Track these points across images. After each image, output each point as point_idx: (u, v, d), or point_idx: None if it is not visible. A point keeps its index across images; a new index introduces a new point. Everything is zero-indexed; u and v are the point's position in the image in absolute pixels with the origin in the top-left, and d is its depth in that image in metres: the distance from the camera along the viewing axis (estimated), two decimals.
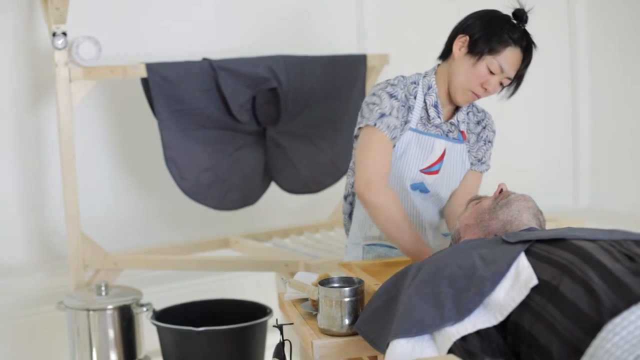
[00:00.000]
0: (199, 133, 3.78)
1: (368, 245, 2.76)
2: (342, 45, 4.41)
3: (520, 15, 2.58)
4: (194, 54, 3.87)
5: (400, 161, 2.65)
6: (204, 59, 3.77)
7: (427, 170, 2.66)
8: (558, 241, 1.89)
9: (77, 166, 3.57)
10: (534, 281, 1.77)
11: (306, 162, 4.05)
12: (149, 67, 3.61)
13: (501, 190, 2.32)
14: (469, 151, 2.74)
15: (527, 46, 2.57)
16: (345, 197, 2.85)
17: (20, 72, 3.85)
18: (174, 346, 3.45)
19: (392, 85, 2.64)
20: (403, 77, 2.70)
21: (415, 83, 2.68)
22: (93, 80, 3.58)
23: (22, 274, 3.90)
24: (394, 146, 2.63)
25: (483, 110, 2.81)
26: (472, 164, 2.75)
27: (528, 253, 1.88)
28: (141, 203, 4.17)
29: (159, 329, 3.49)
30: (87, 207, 3.76)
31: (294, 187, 4.07)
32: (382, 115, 2.58)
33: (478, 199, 2.36)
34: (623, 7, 4.61)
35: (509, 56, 2.53)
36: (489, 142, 2.78)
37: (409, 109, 2.64)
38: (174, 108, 3.69)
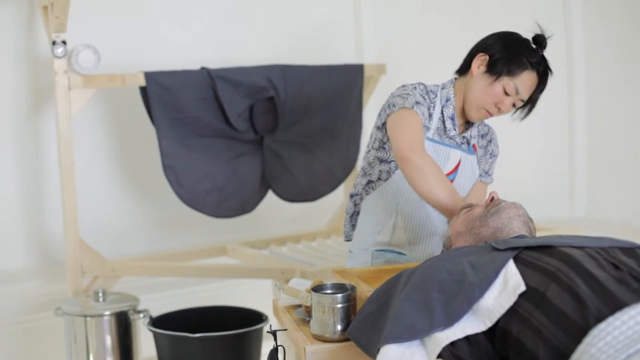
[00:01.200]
0: (197, 141, 3.80)
1: (377, 250, 2.77)
2: (340, 55, 4.44)
3: (540, 40, 2.63)
4: (193, 63, 3.90)
5: None
6: (203, 68, 3.80)
7: None
8: (546, 248, 1.91)
9: (75, 173, 3.59)
10: (522, 287, 1.79)
11: (303, 170, 4.06)
12: (148, 75, 3.64)
13: (492, 198, 2.35)
14: (478, 163, 2.79)
15: (543, 71, 2.62)
16: (352, 196, 2.86)
17: (20, 79, 3.87)
18: (170, 352, 3.46)
19: (415, 87, 2.68)
20: (421, 84, 2.72)
21: (433, 93, 2.72)
22: (92, 88, 3.60)
23: (20, 280, 3.92)
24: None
25: (488, 126, 2.87)
26: (480, 175, 2.82)
27: (517, 260, 1.90)
28: (139, 210, 4.19)
29: (155, 335, 3.51)
30: (86, 213, 3.78)
31: (291, 195, 4.09)
32: (417, 103, 2.62)
33: (469, 206, 2.38)
34: (620, 15, 4.63)
35: (526, 79, 2.59)
36: (495, 156, 2.85)
37: (429, 117, 2.68)
38: (172, 116, 3.71)
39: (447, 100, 2.70)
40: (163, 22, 4.13)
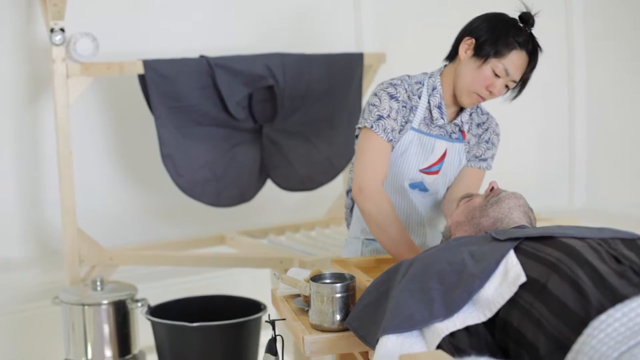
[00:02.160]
0: (195, 130, 3.79)
1: (367, 239, 2.80)
2: (339, 44, 4.42)
3: (527, 18, 2.59)
4: (192, 51, 3.89)
5: (400, 160, 2.67)
6: (201, 56, 3.78)
7: (427, 171, 2.68)
8: (547, 239, 1.90)
9: (73, 162, 3.58)
10: (523, 278, 1.79)
11: (302, 159, 4.06)
12: (146, 63, 3.62)
13: (492, 188, 2.34)
14: (468, 152, 2.76)
15: (532, 50, 2.58)
16: (347, 192, 2.87)
17: (18, 68, 3.86)
18: (168, 341, 3.46)
19: (394, 85, 2.66)
20: (409, 76, 2.72)
21: (420, 83, 2.70)
22: (90, 76, 3.59)
23: (18, 268, 3.91)
24: (393, 146, 2.65)
25: (487, 113, 2.83)
26: (469, 160, 2.76)
27: (517, 250, 1.89)
28: (137, 199, 4.18)
29: (153, 324, 3.50)
30: (84, 202, 3.77)
31: (289, 184, 4.08)
32: (380, 117, 2.60)
33: (469, 196, 2.37)
34: (620, 10, 4.62)
35: (515, 59, 2.55)
36: (492, 143, 2.79)
37: (412, 109, 2.66)
38: (171, 105, 3.70)
39: (434, 89, 2.68)
40: (162, 10, 4.11)
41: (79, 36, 3.54)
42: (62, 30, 3.48)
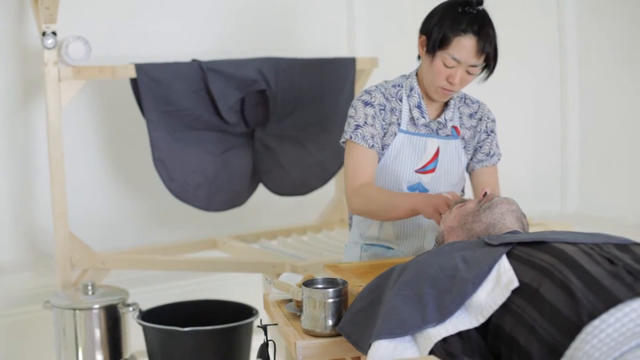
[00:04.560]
0: (187, 134, 3.78)
1: (366, 244, 2.80)
2: (332, 48, 4.42)
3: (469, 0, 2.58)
4: (184, 55, 3.88)
5: (394, 163, 2.67)
6: (194, 60, 3.78)
7: (423, 170, 2.68)
8: (539, 244, 1.91)
9: (65, 166, 3.57)
10: (515, 283, 1.79)
11: (294, 164, 4.05)
12: (138, 67, 3.62)
13: (485, 193, 2.34)
14: (464, 147, 2.75)
15: (480, 29, 2.54)
16: None
17: (9, 71, 3.85)
18: (159, 346, 3.45)
19: (369, 92, 2.69)
20: (386, 81, 2.74)
21: (399, 86, 2.71)
22: (82, 80, 3.58)
23: (9, 272, 3.90)
24: (383, 150, 2.67)
25: (477, 101, 2.81)
26: (480, 160, 2.76)
27: (510, 255, 1.89)
28: (129, 203, 4.17)
29: (145, 328, 3.50)
30: (75, 206, 3.76)
31: (282, 189, 4.08)
32: (357, 127, 2.64)
33: (462, 202, 2.37)
34: (613, 12, 4.63)
35: (461, 46, 2.53)
36: (491, 132, 2.78)
37: (393, 110, 2.67)
38: (163, 109, 3.69)
39: (411, 89, 2.69)
40: (154, 14, 4.11)
41: (71, 40, 3.54)
42: (54, 33, 3.47)
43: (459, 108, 2.75)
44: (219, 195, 3.88)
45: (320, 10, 4.52)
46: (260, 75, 3.82)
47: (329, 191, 4.40)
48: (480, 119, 2.77)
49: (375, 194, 2.57)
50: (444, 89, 2.60)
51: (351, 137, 2.64)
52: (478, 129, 2.77)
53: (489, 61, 2.59)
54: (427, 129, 2.70)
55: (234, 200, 3.94)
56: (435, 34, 2.55)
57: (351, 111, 2.69)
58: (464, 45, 2.53)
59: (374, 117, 2.65)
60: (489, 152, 2.77)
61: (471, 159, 2.79)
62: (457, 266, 1.91)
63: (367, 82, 4.23)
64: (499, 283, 1.81)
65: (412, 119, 2.68)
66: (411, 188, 2.69)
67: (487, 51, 2.56)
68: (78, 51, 3.55)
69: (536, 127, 4.95)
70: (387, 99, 2.68)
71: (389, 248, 2.77)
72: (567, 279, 1.72)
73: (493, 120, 2.80)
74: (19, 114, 3.89)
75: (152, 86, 3.64)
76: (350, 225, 2.91)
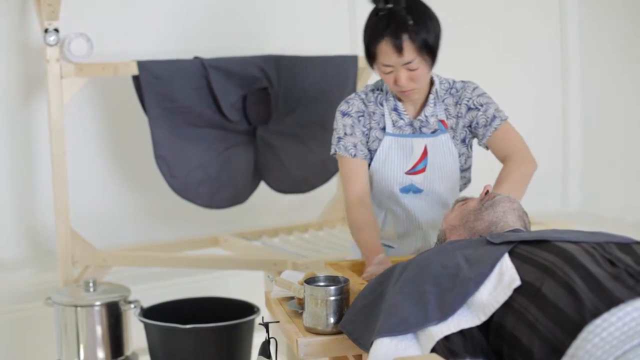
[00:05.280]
0: (189, 131, 3.78)
1: None
2: (334, 46, 4.41)
3: (377, 2, 2.57)
4: (186, 52, 3.88)
5: (384, 167, 2.68)
6: (196, 58, 3.78)
7: (412, 171, 2.68)
8: (542, 243, 1.90)
9: (67, 162, 3.57)
10: (517, 282, 1.79)
11: (296, 162, 4.05)
12: (140, 64, 3.62)
13: (487, 191, 2.34)
14: (453, 137, 2.70)
15: (396, 27, 2.50)
16: None
17: (11, 68, 3.85)
18: (161, 343, 3.45)
19: (347, 101, 2.73)
20: (367, 86, 2.77)
21: (379, 90, 2.73)
22: (84, 77, 3.58)
23: (10, 269, 3.90)
24: (371, 154, 2.69)
25: (461, 82, 2.73)
26: (484, 133, 2.65)
27: (512, 254, 1.89)
28: (131, 200, 4.17)
29: (146, 326, 3.49)
30: (77, 203, 3.76)
31: (283, 186, 4.07)
32: (339, 139, 2.70)
33: (464, 200, 2.37)
34: (615, 12, 4.63)
35: (382, 52, 2.54)
36: (479, 105, 2.67)
37: (372, 114, 2.70)
38: (165, 106, 3.69)
39: (387, 93, 2.70)
40: (156, 11, 4.11)
41: (73, 37, 3.53)
42: (57, 30, 3.47)
43: (444, 100, 2.70)
44: (221, 192, 3.88)
45: (322, 8, 4.52)
46: (262, 73, 3.82)
47: (331, 189, 4.40)
48: (459, 103, 2.70)
49: (354, 228, 2.66)
50: (401, 91, 2.60)
51: (336, 151, 2.70)
52: (460, 113, 2.69)
53: (424, 50, 2.53)
54: (412, 129, 2.69)
55: (235, 198, 3.94)
56: (364, 48, 2.58)
57: (334, 123, 2.73)
58: (384, 51, 2.53)
59: (352, 126, 2.68)
60: (486, 122, 2.66)
61: (476, 137, 2.71)
62: (459, 264, 1.91)
63: (368, 80, 4.22)
64: (501, 281, 1.81)
65: (393, 121, 2.69)
66: (404, 190, 2.70)
67: (415, 44, 2.51)
68: (80, 48, 3.55)
69: (538, 126, 4.94)
70: (365, 104, 2.70)
71: (390, 247, 2.78)
72: (569, 278, 1.72)
73: (478, 93, 2.69)
74: (21, 111, 3.89)
75: (154, 83, 3.64)
76: None
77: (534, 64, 4.87)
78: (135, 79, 3.65)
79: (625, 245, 1.88)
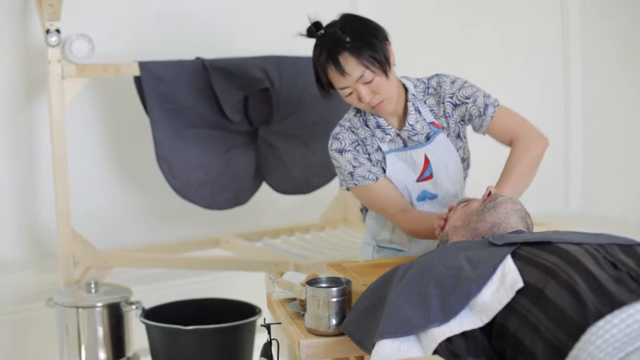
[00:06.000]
0: (190, 132, 3.78)
1: (378, 246, 2.83)
2: None
3: (311, 34, 2.62)
4: (188, 53, 3.88)
5: (397, 183, 2.68)
6: (197, 58, 3.78)
7: (421, 179, 2.67)
8: (544, 244, 1.90)
9: (68, 163, 3.57)
10: (520, 284, 1.78)
11: (298, 162, 4.05)
12: (142, 65, 3.62)
13: (489, 192, 2.34)
14: (448, 135, 2.68)
15: (332, 53, 2.51)
16: (361, 210, 2.92)
17: (13, 68, 3.85)
18: (162, 344, 3.45)
19: (336, 138, 2.69)
20: (347, 113, 2.73)
21: (360, 112, 2.70)
22: (86, 78, 3.58)
23: (12, 270, 3.90)
24: (385, 174, 2.66)
25: (434, 77, 2.69)
26: (481, 123, 2.62)
27: (514, 256, 1.89)
28: (132, 201, 4.17)
29: (148, 327, 3.49)
30: (78, 204, 3.76)
31: (285, 187, 4.07)
32: (351, 174, 2.66)
33: (467, 201, 2.37)
34: (617, 13, 4.63)
35: (332, 78, 2.54)
36: (465, 99, 2.62)
37: (364, 140, 2.67)
38: (166, 107, 3.69)
39: (366, 113, 2.68)
40: (158, 11, 4.10)
41: (74, 37, 3.53)
42: (58, 31, 3.47)
43: (425, 102, 2.67)
44: (222, 193, 3.88)
45: (323, 9, 4.51)
46: (263, 74, 3.82)
47: (332, 190, 4.39)
48: (442, 102, 2.66)
49: (412, 233, 2.64)
50: (371, 107, 2.58)
51: (355, 184, 2.65)
52: (447, 112, 2.66)
53: (371, 61, 2.50)
54: (403, 141, 2.67)
55: (237, 199, 3.94)
56: (317, 83, 2.60)
57: (334, 162, 2.70)
58: (333, 77, 2.53)
59: (356, 159, 2.65)
60: (480, 113, 2.61)
61: (473, 127, 2.68)
62: (461, 266, 1.91)
63: None
64: (504, 283, 1.81)
65: (380, 139, 2.67)
66: (420, 198, 2.69)
67: (359, 59, 2.49)
68: (82, 49, 3.55)
69: (539, 127, 4.94)
70: (354, 132, 2.68)
71: (400, 251, 2.78)
72: (572, 280, 1.71)
73: (459, 89, 2.63)
74: (23, 112, 3.89)
75: (156, 84, 3.64)
76: (362, 219, 2.94)
77: (535, 64, 4.87)
78: (137, 79, 3.65)
79: (628, 247, 1.87)
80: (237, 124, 3.85)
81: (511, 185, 2.47)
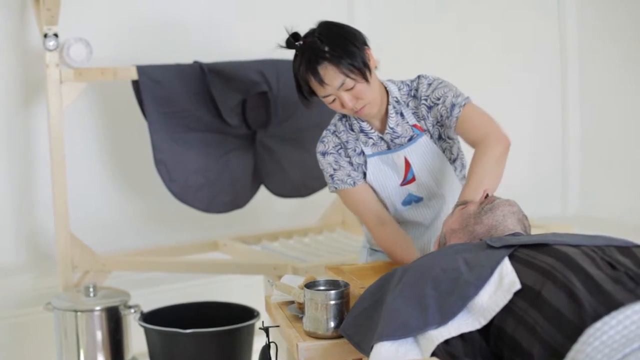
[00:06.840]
0: (188, 136, 3.78)
1: (372, 249, 2.86)
2: None
3: (290, 45, 2.63)
4: (185, 57, 3.88)
5: (380, 188, 2.70)
6: (195, 62, 3.78)
7: (405, 182, 2.68)
8: (541, 246, 1.90)
9: (66, 167, 3.57)
10: (517, 286, 1.79)
11: (296, 166, 4.05)
12: (140, 69, 3.62)
13: (486, 195, 2.34)
14: (431, 137, 2.66)
15: (313, 63, 2.51)
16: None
17: (11, 72, 3.85)
18: (161, 348, 3.45)
19: (321, 141, 2.75)
20: (335, 116, 2.76)
21: (344, 117, 2.72)
22: (84, 82, 3.58)
23: (10, 274, 3.90)
24: (365, 180, 2.69)
25: (416, 79, 2.68)
26: (449, 123, 2.58)
27: (512, 258, 1.89)
28: (130, 205, 4.17)
29: (146, 330, 3.49)
30: (76, 208, 3.76)
31: (283, 190, 4.07)
32: (332, 177, 2.71)
33: (464, 203, 2.37)
34: (614, 13, 4.63)
35: (315, 87, 2.54)
36: (436, 100, 2.59)
37: (346, 144, 2.70)
38: (164, 110, 3.69)
39: (350, 117, 2.69)
40: (155, 15, 4.11)
41: (72, 41, 3.54)
42: (56, 35, 3.47)
43: (408, 104, 2.66)
44: (220, 196, 3.88)
45: (321, 12, 4.51)
46: (261, 77, 3.82)
47: (330, 193, 4.39)
48: (420, 105, 2.63)
49: (385, 250, 2.68)
50: (354, 112, 2.58)
51: (335, 188, 2.71)
52: (424, 115, 2.63)
53: (350, 68, 2.50)
54: (385, 144, 2.68)
55: (235, 202, 3.94)
56: (298, 93, 2.62)
57: (319, 165, 2.76)
58: (315, 85, 2.54)
59: (336, 162, 2.69)
60: (448, 114, 2.56)
61: (446, 129, 2.64)
62: (459, 268, 1.92)
63: None
64: (501, 285, 1.81)
65: (363, 142, 2.68)
66: (406, 202, 2.70)
67: (338, 68, 2.48)
68: (79, 53, 3.55)
69: (537, 129, 4.95)
70: (338, 136, 2.72)
71: None
72: (569, 282, 1.72)
73: (433, 90, 2.61)
74: (21, 116, 3.89)
75: (154, 88, 3.64)
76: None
77: (534, 65, 4.88)
78: (135, 83, 3.65)
79: (625, 249, 1.88)
80: (235, 128, 3.85)
81: (471, 192, 2.41)
